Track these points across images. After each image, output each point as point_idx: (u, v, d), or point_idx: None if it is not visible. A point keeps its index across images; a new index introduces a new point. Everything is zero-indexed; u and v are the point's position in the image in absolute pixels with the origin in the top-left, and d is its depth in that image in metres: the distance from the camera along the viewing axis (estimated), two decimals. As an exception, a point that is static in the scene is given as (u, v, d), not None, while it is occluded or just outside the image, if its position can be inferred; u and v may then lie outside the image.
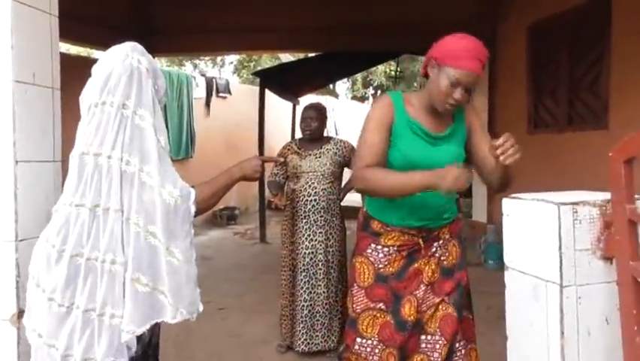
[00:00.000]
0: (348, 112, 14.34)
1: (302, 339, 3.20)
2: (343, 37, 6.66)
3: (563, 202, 1.27)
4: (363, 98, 18.98)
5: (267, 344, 3.49)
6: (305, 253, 3.21)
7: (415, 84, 16.21)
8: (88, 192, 1.39)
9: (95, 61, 1.62)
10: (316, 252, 3.20)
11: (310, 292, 3.20)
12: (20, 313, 1.80)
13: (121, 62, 1.46)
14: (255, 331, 3.77)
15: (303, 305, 3.20)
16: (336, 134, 12.76)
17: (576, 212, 1.28)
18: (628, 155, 1.22)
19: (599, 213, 1.30)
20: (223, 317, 4.10)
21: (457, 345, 1.88)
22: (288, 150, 3.37)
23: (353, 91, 18.62)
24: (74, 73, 2.27)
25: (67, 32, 2.07)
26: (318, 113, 3.32)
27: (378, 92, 19.26)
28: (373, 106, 1.97)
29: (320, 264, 3.20)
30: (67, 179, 1.45)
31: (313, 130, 3.29)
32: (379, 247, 1.94)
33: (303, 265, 3.21)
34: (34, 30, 1.92)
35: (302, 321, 3.20)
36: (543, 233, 1.31)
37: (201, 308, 1.46)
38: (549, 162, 5.00)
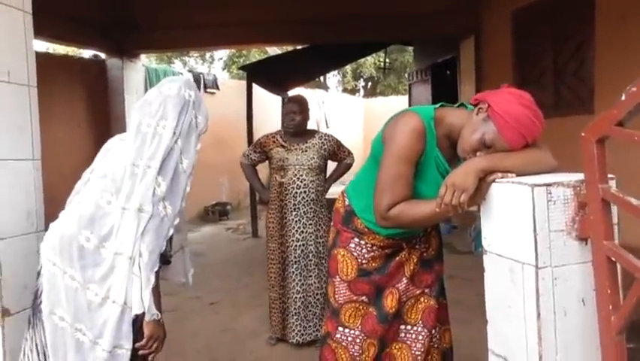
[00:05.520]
0: (339, 105, 14.34)
1: (295, 331, 3.22)
2: (330, 29, 6.65)
3: (536, 183, 1.28)
4: (353, 91, 18.97)
5: (258, 337, 3.49)
6: (296, 245, 3.23)
7: (405, 75, 16.22)
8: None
9: (78, 60, 1.75)
10: (307, 243, 3.22)
11: (302, 284, 3.22)
12: (4, 311, 1.80)
13: (176, 94, 1.73)
14: (246, 325, 3.78)
15: (296, 297, 3.22)
16: (327, 127, 12.75)
17: (550, 193, 1.28)
18: (600, 134, 1.23)
19: (573, 193, 1.30)
20: (215, 311, 4.10)
21: (434, 331, 1.92)
22: (273, 142, 3.35)
23: (344, 83, 18.60)
24: (57, 72, 2.26)
25: (44, 30, 2.05)
26: (300, 107, 3.30)
27: (369, 84, 19.23)
28: (402, 129, 1.63)
29: (311, 255, 3.22)
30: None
31: (298, 124, 3.28)
32: (363, 242, 1.90)
33: (295, 257, 3.23)
34: (7, 27, 1.90)
35: (295, 313, 3.22)
36: (518, 215, 1.31)
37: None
38: (536, 147, 5.01)
